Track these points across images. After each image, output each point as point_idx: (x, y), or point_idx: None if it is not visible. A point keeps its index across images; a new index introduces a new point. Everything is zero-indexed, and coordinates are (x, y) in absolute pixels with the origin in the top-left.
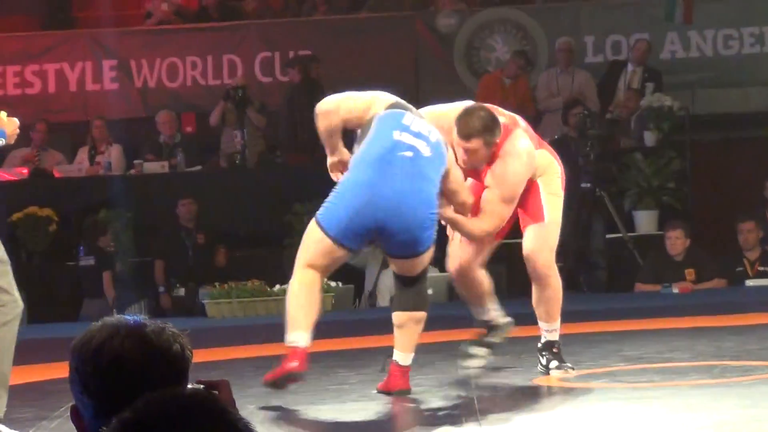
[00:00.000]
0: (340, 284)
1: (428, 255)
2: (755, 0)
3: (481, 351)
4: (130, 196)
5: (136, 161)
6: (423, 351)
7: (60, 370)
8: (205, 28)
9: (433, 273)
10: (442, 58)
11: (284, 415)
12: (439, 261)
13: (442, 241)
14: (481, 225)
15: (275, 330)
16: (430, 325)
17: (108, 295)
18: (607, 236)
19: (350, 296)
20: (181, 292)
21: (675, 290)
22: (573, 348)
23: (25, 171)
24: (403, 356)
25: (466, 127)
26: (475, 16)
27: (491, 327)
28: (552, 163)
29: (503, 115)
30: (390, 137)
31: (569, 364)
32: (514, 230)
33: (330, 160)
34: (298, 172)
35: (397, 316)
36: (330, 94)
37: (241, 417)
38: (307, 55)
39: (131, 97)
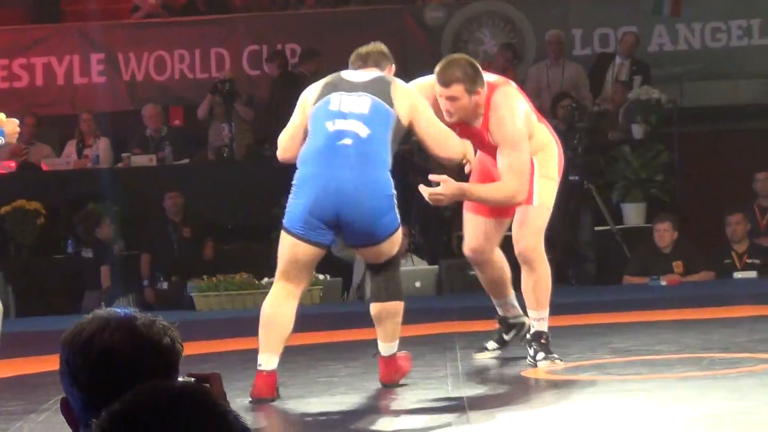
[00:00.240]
0: (328, 277)
1: (392, 242)
2: None
3: (492, 345)
4: (118, 189)
5: (123, 154)
6: (412, 343)
7: (49, 364)
8: (192, 22)
9: (422, 266)
10: (429, 51)
11: (273, 407)
12: (429, 254)
13: (430, 234)
14: (509, 185)
15: None
16: (419, 318)
17: (105, 286)
18: (596, 229)
19: (338, 289)
20: (165, 285)
21: (663, 283)
22: (561, 340)
23: (13, 164)
24: (384, 347)
25: (444, 74)
26: (463, 9)
27: (509, 325)
28: (551, 143)
29: (495, 77)
30: (324, 130)
31: (556, 356)
32: None
33: None
34: (286, 165)
35: (372, 308)
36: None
37: (231, 410)
38: (310, 49)
39: (119, 91)
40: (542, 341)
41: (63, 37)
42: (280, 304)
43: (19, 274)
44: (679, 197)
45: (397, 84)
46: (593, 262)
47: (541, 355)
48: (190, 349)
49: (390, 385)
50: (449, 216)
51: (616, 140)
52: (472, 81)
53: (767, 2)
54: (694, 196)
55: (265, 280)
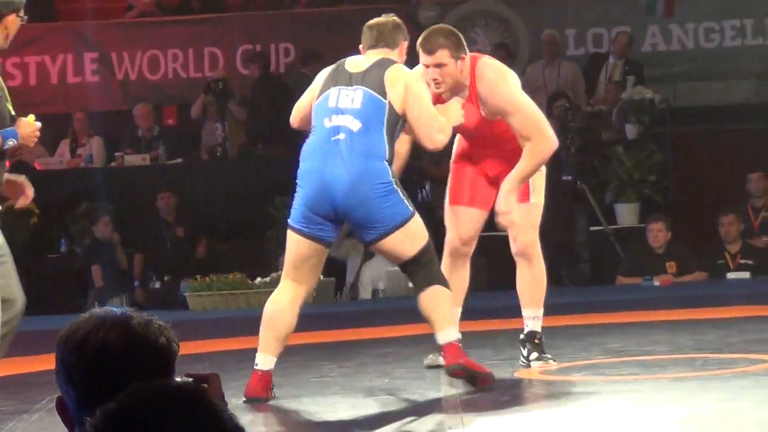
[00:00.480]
0: (321, 277)
1: (407, 232)
2: None
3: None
4: (112, 188)
5: (117, 154)
6: (405, 344)
7: (41, 363)
8: (186, 21)
9: None
10: None
11: (267, 407)
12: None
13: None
14: (538, 145)
15: (257, 322)
16: (411, 318)
17: (97, 286)
18: (590, 229)
19: (332, 289)
20: (157, 285)
21: (656, 283)
22: (554, 341)
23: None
24: (439, 335)
25: (428, 42)
26: (456, 9)
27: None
28: None
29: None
30: (321, 126)
31: (550, 356)
32: (493, 225)
33: None
34: (279, 165)
35: (417, 303)
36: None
37: (226, 410)
38: (311, 50)
39: (112, 90)
40: (536, 341)
41: (56, 36)
42: (281, 303)
43: None
44: (672, 197)
45: (392, 70)
46: (588, 262)
47: (534, 355)
48: (183, 348)
49: (452, 370)
50: (440, 217)
51: (610, 140)
52: (456, 46)
53: (760, 2)
54: (688, 196)
55: (259, 279)
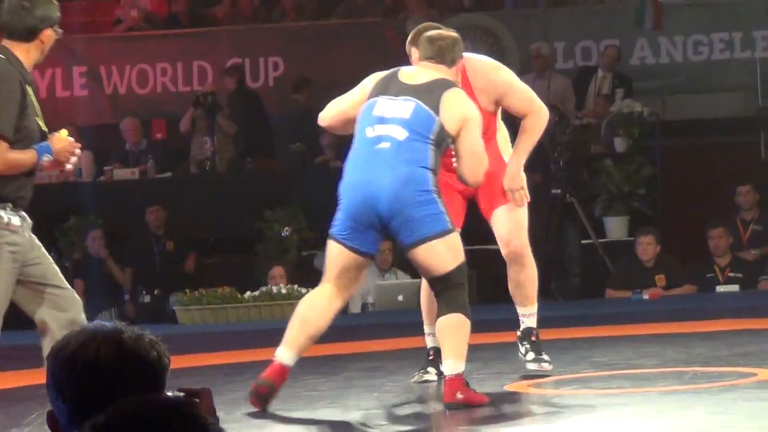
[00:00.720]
0: (310, 290)
1: (446, 244)
2: (724, 6)
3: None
4: (101, 202)
5: (106, 168)
6: (394, 358)
7: (30, 378)
8: (174, 35)
9: (405, 279)
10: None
11: (255, 422)
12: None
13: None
14: (536, 114)
15: (246, 337)
16: (401, 331)
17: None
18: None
19: None
20: (146, 298)
21: (645, 296)
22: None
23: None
24: (444, 365)
25: (447, 53)
26: (445, 22)
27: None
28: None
29: None
30: (364, 136)
31: (546, 357)
32: (483, 238)
33: None
34: (268, 179)
35: (436, 324)
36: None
37: (216, 424)
38: (303, 79)
39: (101, 104)
40: (533, 338)
41: None
42: (314, 301)
43: None
44: (661, 211)
45: (451, 93)
46: (578, 275)
47: (531, 356)
48: (172, 362)
49: (450, 405)
50: None
51: (599, 153)
52: (461, 54)
53: (749, 16)
54: (677, 209)
55: (248, 293)
